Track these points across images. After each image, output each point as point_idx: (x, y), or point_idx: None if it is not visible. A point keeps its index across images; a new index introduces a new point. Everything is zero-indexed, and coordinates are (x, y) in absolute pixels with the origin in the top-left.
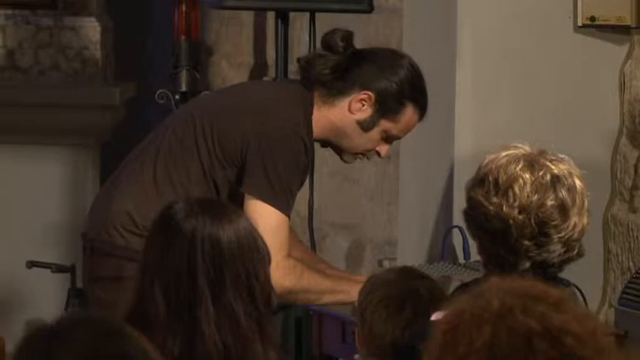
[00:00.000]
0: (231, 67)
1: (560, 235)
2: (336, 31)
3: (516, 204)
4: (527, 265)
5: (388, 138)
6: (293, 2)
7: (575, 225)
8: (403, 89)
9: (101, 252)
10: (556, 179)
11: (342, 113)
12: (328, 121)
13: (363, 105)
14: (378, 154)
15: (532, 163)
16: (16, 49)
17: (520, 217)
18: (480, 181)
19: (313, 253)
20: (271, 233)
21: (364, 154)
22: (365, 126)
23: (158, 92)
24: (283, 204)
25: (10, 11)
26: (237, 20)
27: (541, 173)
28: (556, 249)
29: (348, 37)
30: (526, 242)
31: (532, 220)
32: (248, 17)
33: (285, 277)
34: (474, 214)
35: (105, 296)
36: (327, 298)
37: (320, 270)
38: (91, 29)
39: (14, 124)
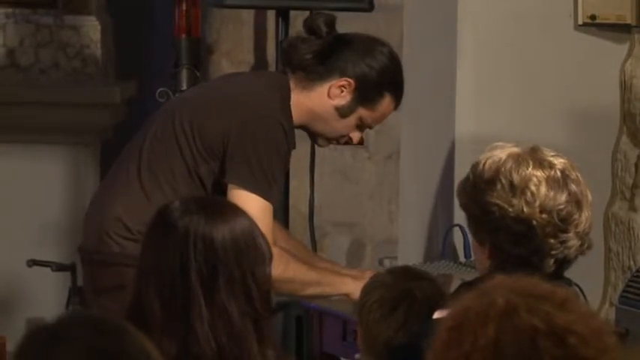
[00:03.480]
0: (231, 65)
1: (577, 229)
2: (319, 15)
3: (537, 204)
4: (552, 263)
5: (362, 126)
6: (293, 1)
7: (587, 217)
8: (383, 79)
9: (100, 263)
10: (564, 174)
11: (320, 98)
12: (306, 107)
13: (342, 91)
14: (350, 139)
15: (539, 160)
16: (17, 47)
17: (543, 216)
18: (488, 184)
19: (304, 246)
20: (255, 220)
21: (337, 139)
22: (342, 112)
23: (159, 91)
24: (266, 191)
25: (10, 10)
26: (238, 18)
27: (551, 170)
28: (574, 244)
29: (331, 21)
30: (551, 240)
31: (555, 218)
32: (248, 15)
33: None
34: (488, 218)
35: (113, 305)
36: (311, 290)
37: (306, 261)
38: (92, 28)
39: (14, 122)
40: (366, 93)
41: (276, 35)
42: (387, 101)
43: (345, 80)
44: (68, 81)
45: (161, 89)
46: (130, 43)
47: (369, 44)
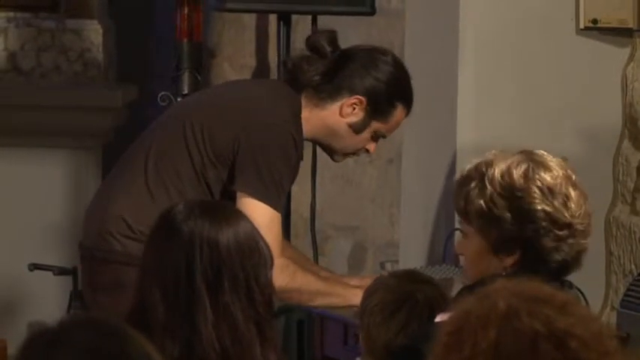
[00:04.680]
0: (233, 69)
1: (589, 226)
2: (321, 34)
3: (573, 206)
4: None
5: (377, 137)
6: (295, 5)
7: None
8: (391, 89)
9: (100, 260)
10: (572, 173)
11: (333, 117)
12: (319, 123)
13: (354, 109)
14: (367, 151)
15: (550, 161)
16: (18, 51)
17: (580, 218)
18: (523, 191)
19: (305, 257)
20: (264, 231)
21: (354, 153)
22: (356, 129)
23: (160, 94)
24: (275, 201)
25: (12, 14)
26: (240, 22)
27: (566, 169)
28: (587, 241)
29: (333, 38)
30: (583, 242)
31: (587, 218)
32: (250, 20)
33: (278, 275)
34: (531, 227)
35: (108, 302)
36: (320, 301)
37: (313, 271)
38: (93, 31)
39: (16, 126)
40: (378, 107)
41: (277, 39)
42: (399, 110)
43: (356, 98)
44: (69, 85)
45: (162, 93)
46: (132, 46)
47: (371, 55)
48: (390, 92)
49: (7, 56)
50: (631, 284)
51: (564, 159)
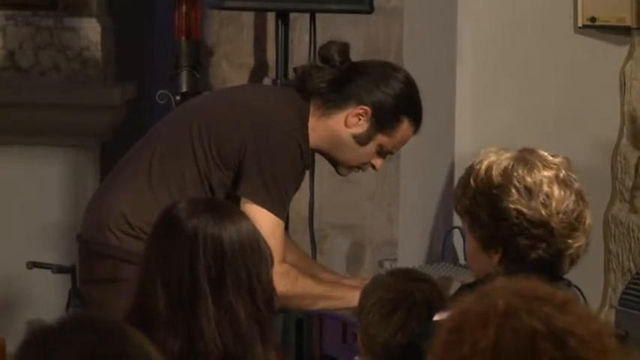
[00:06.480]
0: (231, 67)
1: (584, 225)
2: (332, 44)
3: (553, 206)
4: (568, 264)
5: (383, 152)
6: (293, 3)
7: (590, 213)
8: (399, 104)
9: (97, 253)
10: (567, 172)
11: (338, 126)
12: (325, 133)
13: (360, 119)
14: (373, 166)
15: (544, 162)
16: (17, 49)
17: (560, 217)
18: (500, 189)
19: (307, 256)
20: (266, 237)
21: (359, 167)
22: (361, 140)
23: (158, 93)
24: (279, 208)
25: (10, 12)
26: (238, 21)
27: (558, 170)
28: (583, 242)
29: (344, 50)
30: (568, 241)
31: (570, 218)
32: (248, 18)
33: (280, 282)
34: (504, 224)
35: (102, 297)
36: (321, 304)
37: (314, 275)
38: (92, 30)
39: (14, 124)
40: (384, 119)
41: (276, 37)
42: (405, 126)
43: (362, 108)
44: (68, 83)
45: (161, 91)
46: (130, 45)
47: (383, 71)
48: (397, 106)
49: (5, 54)
50: (629, 282)
51: (566, 159)
